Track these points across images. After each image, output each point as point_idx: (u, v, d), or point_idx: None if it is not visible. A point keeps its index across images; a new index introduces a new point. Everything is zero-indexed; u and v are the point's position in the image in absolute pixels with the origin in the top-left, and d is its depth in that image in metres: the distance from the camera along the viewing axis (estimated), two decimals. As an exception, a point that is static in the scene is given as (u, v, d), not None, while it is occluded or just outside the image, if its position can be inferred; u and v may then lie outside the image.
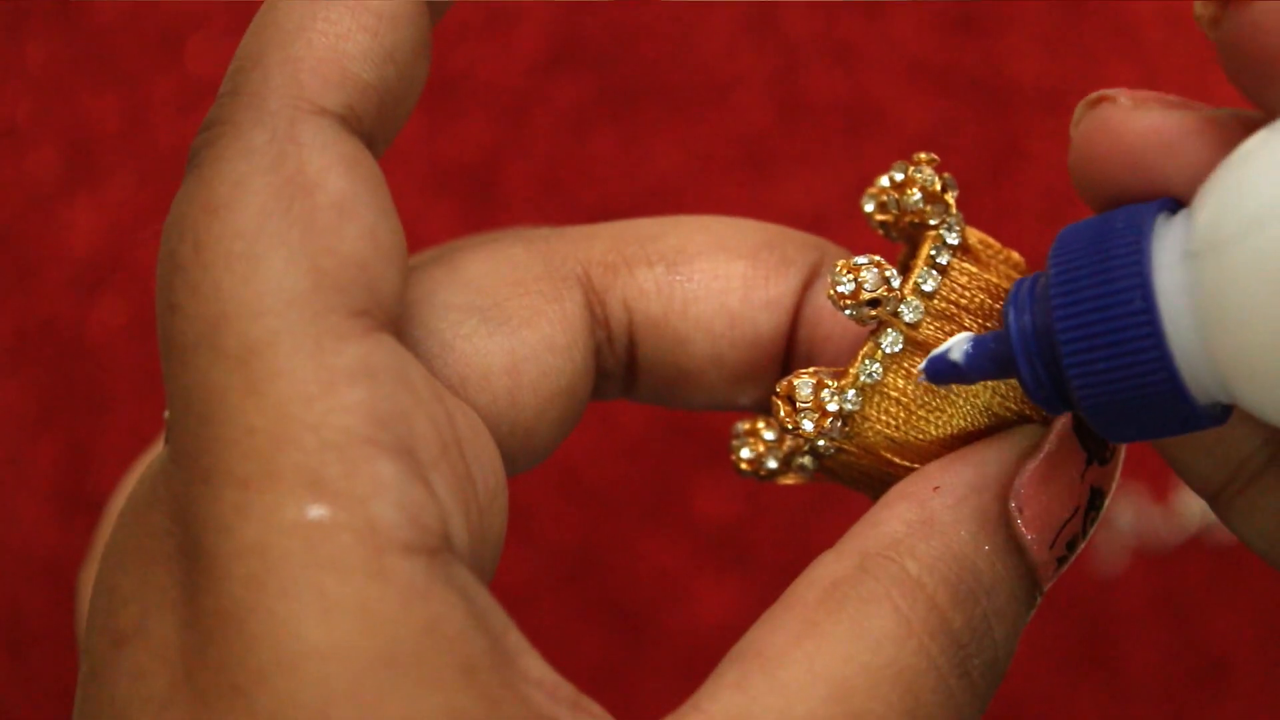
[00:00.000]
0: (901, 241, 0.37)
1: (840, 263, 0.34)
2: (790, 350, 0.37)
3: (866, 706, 0.30)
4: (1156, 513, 0.69)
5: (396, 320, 0.30)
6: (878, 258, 0.34)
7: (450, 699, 0.27)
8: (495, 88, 0.71)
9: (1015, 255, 0.36)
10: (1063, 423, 0.34)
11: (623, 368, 0.36)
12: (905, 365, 0.34)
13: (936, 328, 0.34)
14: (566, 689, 0.30)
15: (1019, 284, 0.33)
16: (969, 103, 0.71)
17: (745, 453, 0.37)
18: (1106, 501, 0.34)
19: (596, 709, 0.30)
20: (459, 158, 0.71)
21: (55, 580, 0.67)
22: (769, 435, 0.37)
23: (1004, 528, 0.33)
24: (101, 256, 0.70)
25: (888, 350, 0.34)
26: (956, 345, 0.33)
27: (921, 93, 0.71)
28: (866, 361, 0.34)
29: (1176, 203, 0.32)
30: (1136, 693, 0.68)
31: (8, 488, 0.68)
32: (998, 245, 0.36)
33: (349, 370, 0.28)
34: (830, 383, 0.34)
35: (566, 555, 0.68)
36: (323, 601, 0.27)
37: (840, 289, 0.34)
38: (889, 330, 0.34)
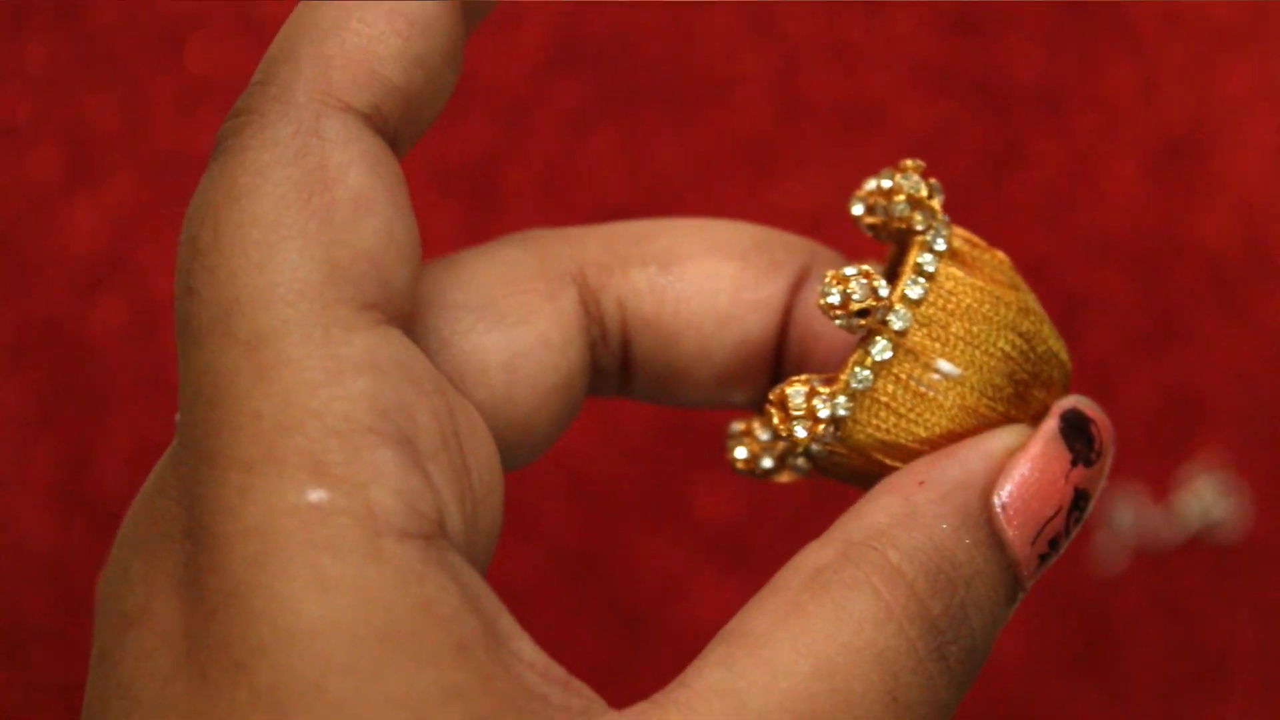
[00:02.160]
0: (890, 242, 0.37)
1: (829, 273, 0.34)
2: (782, 350, 0.38)
3: (848, 684, 0.31)
4: (1156, 513, 0.69)
5: (407, 315, 0.31)
6: (866, 266, 0.35)
7: (444, 675, 0.28)
8: (495, 88, 0.71)
9: (1000, 255, 0.36)
10: (1049, 424, 0.35)
11: (618, 365, 0.37)
12: (895, 371, 0.35)
13: (925, 334, 0.35)
14: (557, 670, 0.30)
15: None
16: (969, 103, 0.71)
17: (740, 452, 0.38)
18: (1091, 504, 0.35)
19: (587, 691, 0.31)
20: (459, 158, 0.71)
21: (55, 580, 0.67)
22: (763, 435, 0.38)
23: (986, 523, 0.34)
24: (101, 256, 0.70)
25: (877, 358, 0.35)
26: None
27: (921, 93, 0.71)
28: (857, 369, 0.35)
29: None
30: (1136, 693, 0.68)
31: (8, 488, 0.68)
32: (984, 244, 0.36)
33: (355, 361, 0.29)
34: (822, 390, 0.35)
35: (567, 555, 0.68)
36: (321, 581, 0.28)
37: (829, 299, 0.34)
38: (878, 338, 0.35)
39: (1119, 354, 0.70)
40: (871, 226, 0.37)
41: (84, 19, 0.71)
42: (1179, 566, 0.69)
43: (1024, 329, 0.36)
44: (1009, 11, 0.71)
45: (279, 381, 0.29)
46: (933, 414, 0.35)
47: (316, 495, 0.28)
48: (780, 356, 0.38)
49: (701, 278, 0.37)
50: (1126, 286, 0.70)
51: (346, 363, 0.29)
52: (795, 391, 0.35)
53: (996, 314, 0.35)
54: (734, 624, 0.32)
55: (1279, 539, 0.69)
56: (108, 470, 0.68)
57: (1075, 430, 0.35)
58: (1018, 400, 0.35)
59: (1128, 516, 0.69)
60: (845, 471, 0.36)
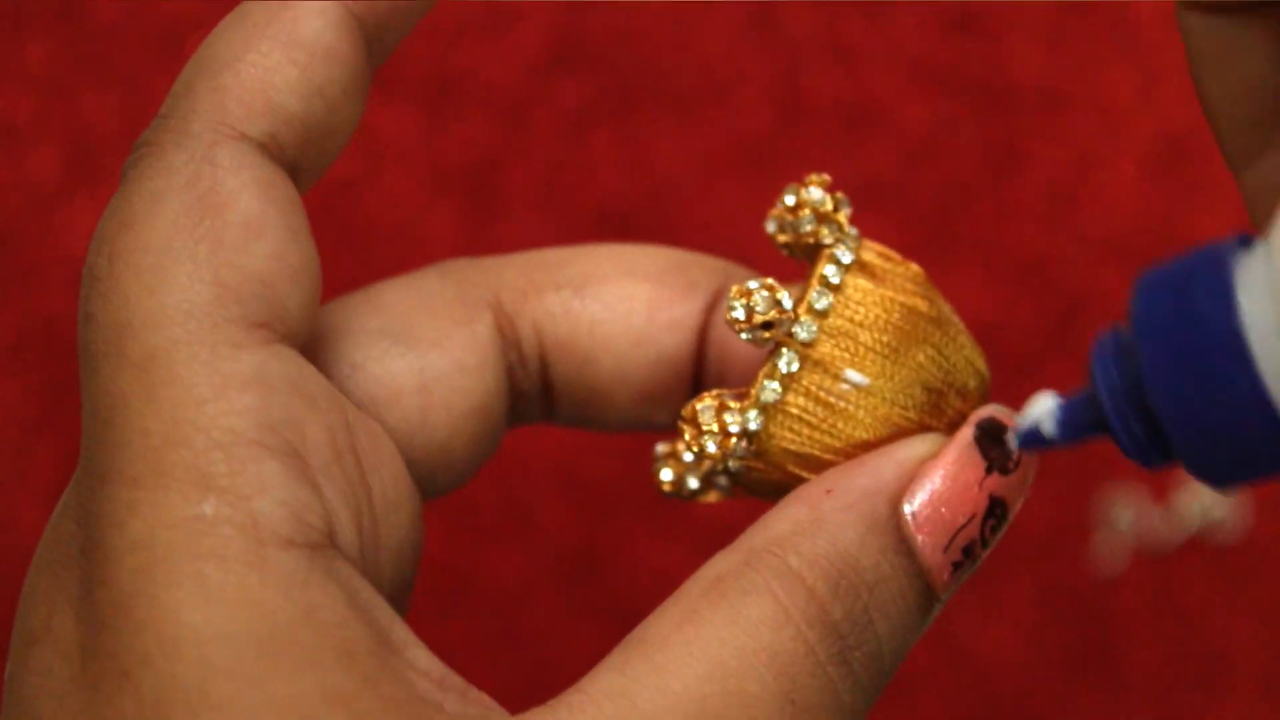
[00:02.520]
0: (804, 259, 0.37)
1: (734, 288, 0.35)
2: (701, 369, 0.38)
3: (742, 685, 0.31)
4: (1156, 513, 0.69)
5: (301, 336, 0.32)
6: (770, 280, 0.35)
7: (327, 678, 0.29)
8: (495, 88, 0.71)
9: (914, 267, 0.37)
10: (964, 432, 0.35)
11: (538, 389, 0.38)
12: (804, 383, 0.35)
13: (833, 345, 0.35)
14: (455, 679, 0.31)
15: (1101, 342, 0.34)
16: (969, 103, 0.71)
17: (666, 474, 0.39)
18: (1011, 512, 0.35)
19: (486, 699, 0.31)
20: (459, 158, 0.71)
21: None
22: (688, 456, 0.38)
23: (894, 530, 0.33)
24: (101, 256, 0.70)
25: (785, 370, 0.35)
26: (1044, 416, 0.34)
27: (921, 93, 0.71)
28: (766, 382, 0.35)
29: (1250, 239, 0.32)
30: (1136, 693, 0.68)
31: (8, 488, 0.68)
32: (898, 258, 0.37)
33: (243, 377, 0.30)
34: (732, 404, 0.35)
35: (566, 555, 0.68)
36: (204, 589, 0.28)
37: (734, 314, 0.35)
38: (785, 350, 0.35)
39: (1119, 354, 0.70)
40: (785, 245, 0.37)
41: (84, 19, 0.71)
42: (1179, 566, 0.69)
43: (936, 339, 0.36)
44: (1009, 11, 0.71)
45: (167, 399, 0.29)
46: (845, 424, 0.35)
47: (201, 507, 0.29)
48: (700, 376, 0.38)
49: (616, 300, 0.37)
50: (1126, 286, 0.70)
51: (234, 379, 0.30)
52: (705, 407, 0.35)
53: (906, 324, 0.35)
54: (634, 632, 0.32)
55: (1279, 539, 0.69)
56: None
57: (991, 438, 0.34)
58: (933, 409, 0.35)
59: (1128, 516, 0.69)
60: (766, 487, 0.36)
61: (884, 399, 0.35)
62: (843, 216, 0.36)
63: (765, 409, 0.35)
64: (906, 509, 0.34)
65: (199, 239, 0.31)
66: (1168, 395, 0.31)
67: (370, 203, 0.70)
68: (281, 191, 0.32)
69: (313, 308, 0.32)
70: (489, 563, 0.68)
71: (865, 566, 0.33)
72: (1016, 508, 0.35)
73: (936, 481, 0.34)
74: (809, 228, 0.36)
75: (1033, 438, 0.34)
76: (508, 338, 0.37)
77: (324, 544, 0.30)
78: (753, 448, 0.35)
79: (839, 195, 0.36)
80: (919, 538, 0.33)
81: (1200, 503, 0.69)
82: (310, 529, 0.30)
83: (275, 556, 0.29)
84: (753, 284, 0.35)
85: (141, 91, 0.71)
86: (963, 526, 0.34)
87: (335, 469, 0.31)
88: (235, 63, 0.32)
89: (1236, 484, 0.32)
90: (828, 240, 0.36)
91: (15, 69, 0.71)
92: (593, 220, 0.70)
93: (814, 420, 0.35)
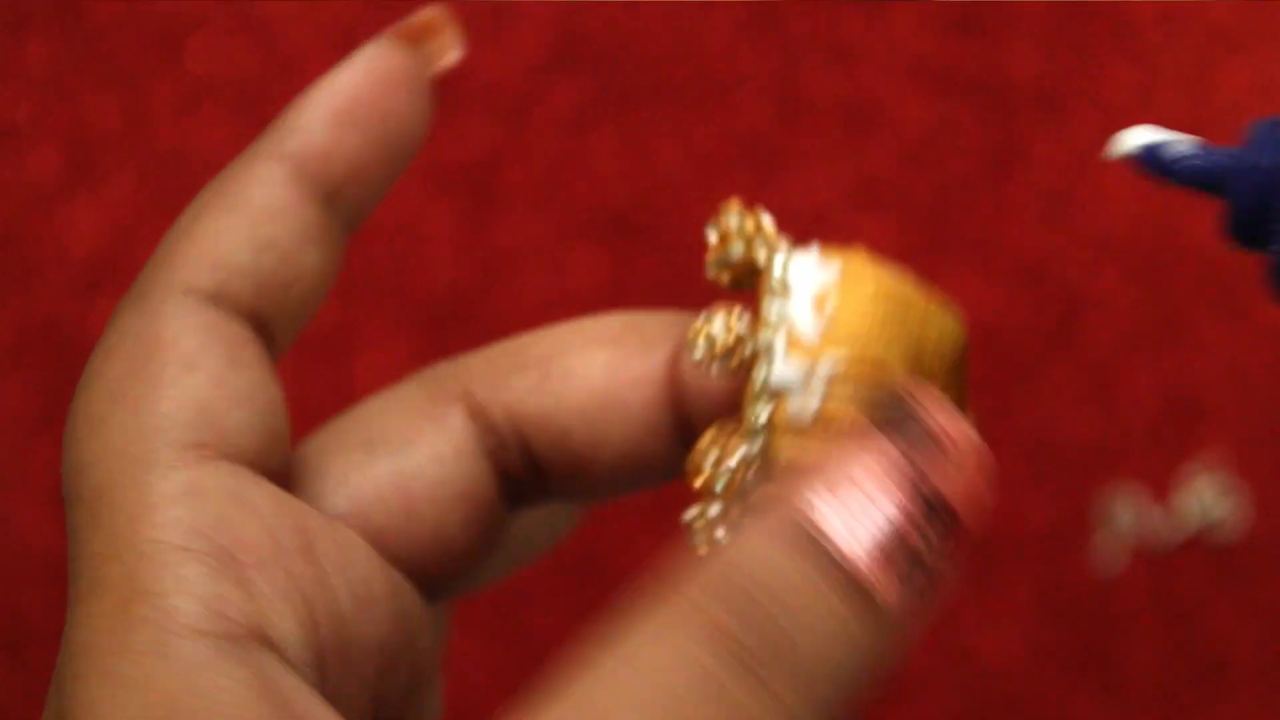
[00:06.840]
0: (751, 287, 0.37)
1: (689, 330, 0.35)
2: (689, 418, 0.38)
3: None
4: (1156, 513, 0.69)
5: (249, 452, 0.34)
6: (717, 306, 0.35)
7: None
8: (495, 88, 0.71)
9: (856, 248, 0.36)
10: (856, 417, 0.32)
11: (528, 470, 0.38)
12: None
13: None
14: None
15: (1269, 123, 0.33)
16: (969, 103, 0.71)
17: (701, 538, 0.38)
18: (962, 514, 0.31)
19: None
20: (459, 158, 0.71)
21: (55, 580, 0.67)
22: (712, 511, 0.38)
23: (809, 538, 0.31)
24: (101, 256, 0.70)
25: (761, 382, 0.35)
26: (1176, 143, 0.33)
27: (921, 93, 0.71)
28: (751, 405, 0.35)
29: None
30: (1136, 693, 0.68)
31: (8, 488, 0.68)
32: (833, 246, 0.36)
33: (174, 493, 0.33)
34: (728, 440, 0.35)
35: (567, 555, 0.68)
36: (116, 681, 0.31)
37: (696, 355, 0.35)
38: (759, 365, 0.35)
39: (1119, 354, 0.70)
40: (731, 283, 0.36)
41: (84, 19, 0.71)
42: (1179, 566, 0.69)
43: (900, 315, 0.35)
44: (1009, 11, 0.71)
45: (106, 525, 0.32)
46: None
47: (128, 611, 0.32)
48: (691, 424, 0.38)
49: (577, 369, 0.38)
50: (1126, 286, 0.70)
51: (165, 496, 0.33)
52: (705, 448, 0.35)
53: (878, 307, 0.35)
54: (541, 682, 0.32)
55: (1279, 539, 0.69)
56: (108, 470, 0.68)
57: (895, 421, 0.32)
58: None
59: (1128, 516, 0.69)
60: None
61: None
62: (767, 225, 0.36)
63: (760, 431, 0.35)
64: (813, 516, 0.31)
65: (139, 381, 0.33)
66: None
67: (370, 203, 0.70)
68: (226, 330, 0.34)
69: (264, 425, 0.34)
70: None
71: (775, 586, 0.31)
72: (973, 506, 0.32)
73: (839, 490, 0.31)
74: (739, 253, 0.36)
75: (1152, 157, 0.33)
76: (483, 425, 0.38)
77: (244, 636, 0.32)
78: (764, 470, 0.35)
79: (755, 209, 0.36)
80: (834, 544, 0.31)
81: (1200, 503, 0.69)
82: (228, 621, 0.32)
83: (179, 645, 0.31)
84: (700, 320, 0.35)
85: (141, 91, 0.71)
86: (888, 533, 0.31)
87: (274, 567, 0.33)
88: (189, 232, 0.35)
89: None
90: (762, 254, 0.36)
91: (15, 69, 0.71)
92: (593, 220, 0.70)
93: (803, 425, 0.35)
